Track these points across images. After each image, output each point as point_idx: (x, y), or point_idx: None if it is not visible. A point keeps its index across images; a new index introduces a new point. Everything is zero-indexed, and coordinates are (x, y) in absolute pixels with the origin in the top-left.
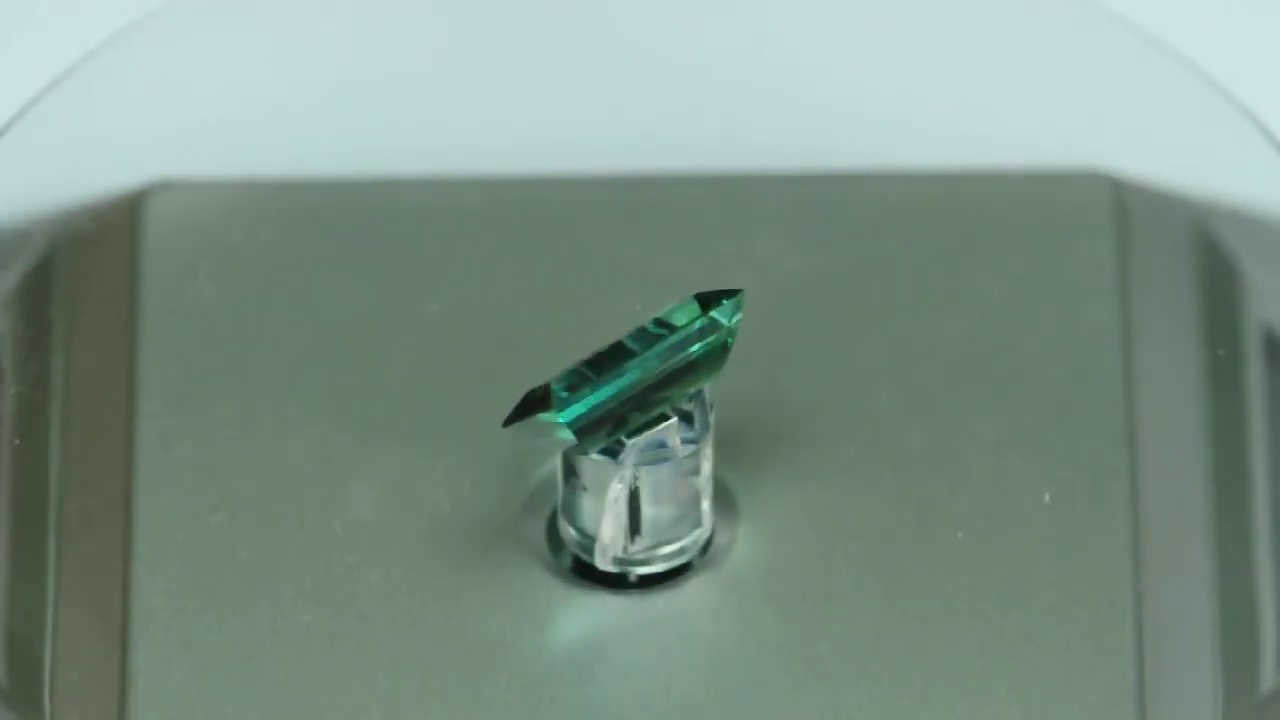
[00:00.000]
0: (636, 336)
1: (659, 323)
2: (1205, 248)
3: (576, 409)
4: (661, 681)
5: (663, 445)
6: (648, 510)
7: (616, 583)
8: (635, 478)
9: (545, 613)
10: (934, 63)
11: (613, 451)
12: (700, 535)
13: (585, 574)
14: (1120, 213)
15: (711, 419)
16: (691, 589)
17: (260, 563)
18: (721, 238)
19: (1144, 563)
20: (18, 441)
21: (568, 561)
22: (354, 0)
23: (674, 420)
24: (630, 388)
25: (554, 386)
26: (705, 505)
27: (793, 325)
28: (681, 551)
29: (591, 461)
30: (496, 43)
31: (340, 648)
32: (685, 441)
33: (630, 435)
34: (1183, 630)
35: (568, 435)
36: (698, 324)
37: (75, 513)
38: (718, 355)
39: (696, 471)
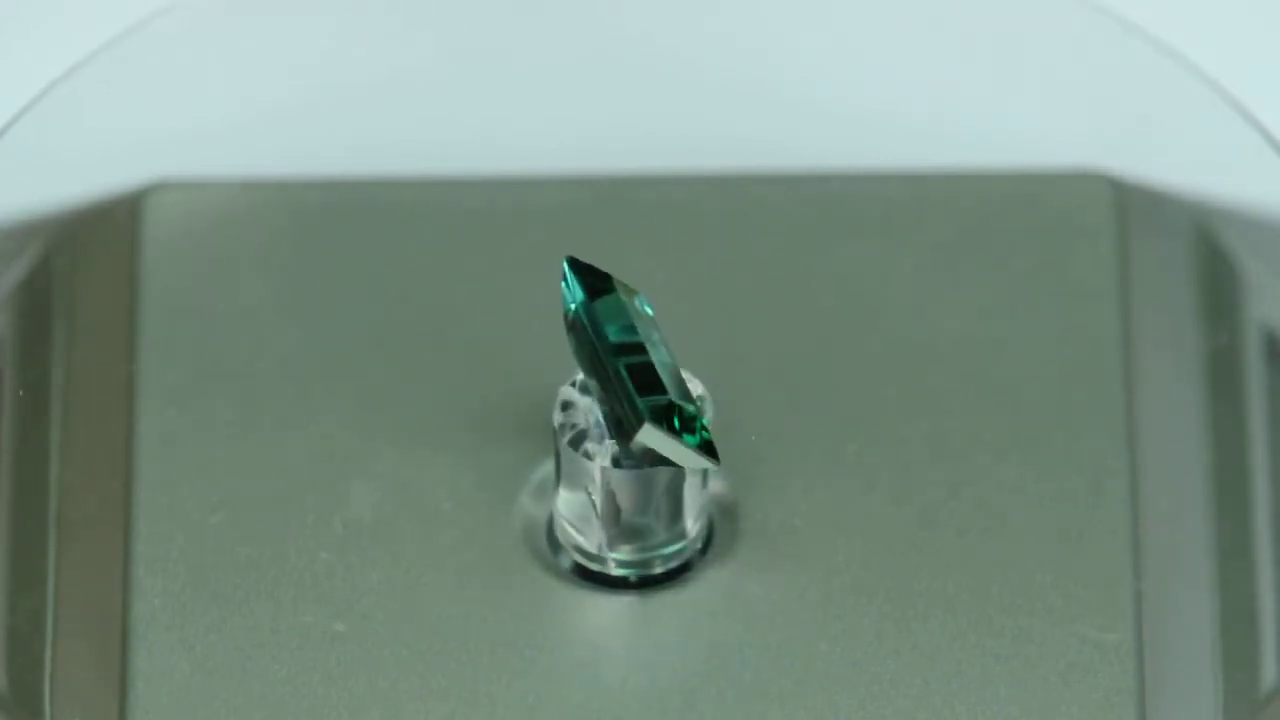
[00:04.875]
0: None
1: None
2: (1205, 248)
3: (590, 302)
4: (661, 681)
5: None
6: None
7: (616, 583)
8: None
9: (545, 613)
10: (934, 63)
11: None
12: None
13: (585, 574)
14: (1120, 213)
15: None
16: (691, 589)
17: (260, 563)
18: (721, 238)
19: (1144, 563)
20: (17, 442)
21: (568, 562)
22: (354, 0)
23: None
24: (605, 365)
25: (617, 282)
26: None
27: (792, 325)
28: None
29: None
30: (496, 42)
31: (340, 648)
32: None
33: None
34: (1183, 630)
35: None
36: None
37: (75, 513)
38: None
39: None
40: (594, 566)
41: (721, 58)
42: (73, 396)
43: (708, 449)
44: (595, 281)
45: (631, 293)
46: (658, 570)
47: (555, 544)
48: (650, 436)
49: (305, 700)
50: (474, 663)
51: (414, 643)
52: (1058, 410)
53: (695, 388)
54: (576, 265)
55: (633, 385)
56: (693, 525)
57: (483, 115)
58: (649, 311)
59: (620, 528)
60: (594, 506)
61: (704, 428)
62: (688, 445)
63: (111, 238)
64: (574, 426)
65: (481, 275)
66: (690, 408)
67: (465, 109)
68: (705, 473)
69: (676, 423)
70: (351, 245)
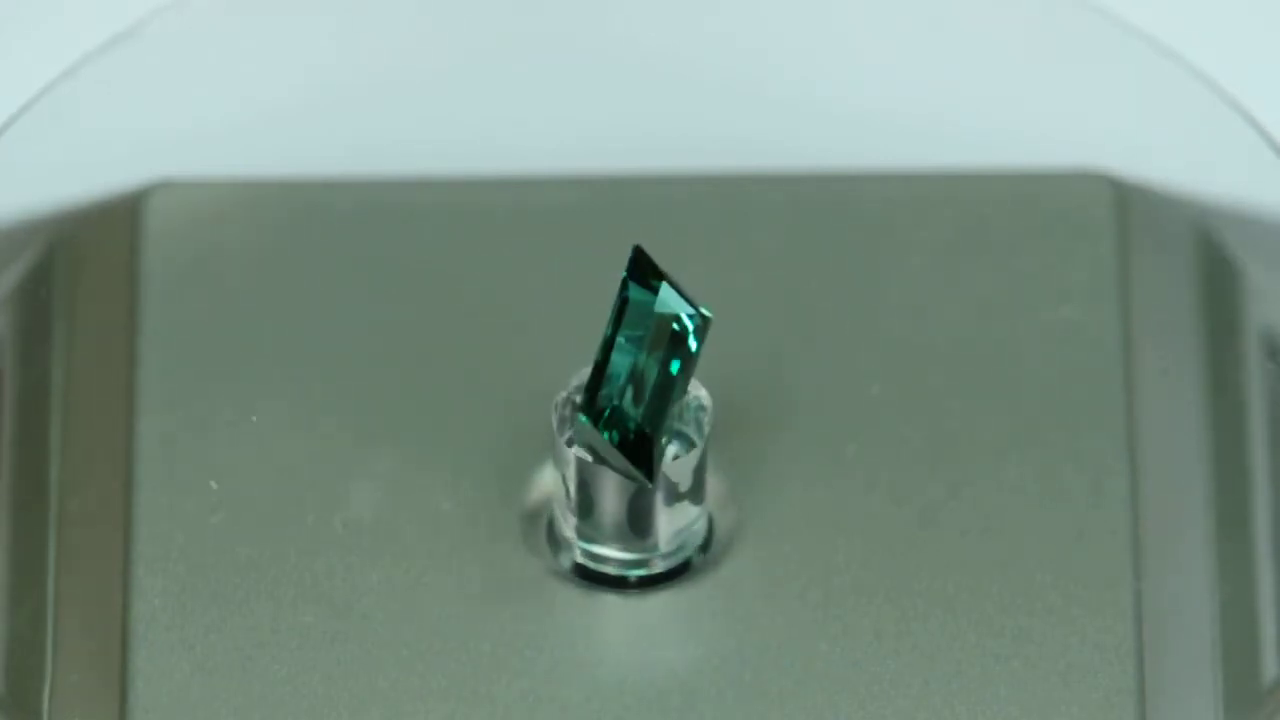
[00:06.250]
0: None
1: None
2: (1205, 248)
3: (622, 295)
4: (661, 681)
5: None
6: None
7: (617, 583)
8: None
9: (545, 613)
10: (934, 63)
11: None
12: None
13: (585, 574)
14: (1120, 213)
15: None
16: (691, 589)
17: (260, 563)
18: (721, 238)
19: (1144, 563)
20: (17, 442)
21: (568, 562)
22: (354, 0)
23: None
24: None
25: (670, 290)
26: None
27: (792, 325)
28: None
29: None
30: (496, 42)
31: (340, 648)
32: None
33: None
34: (1183, 630)
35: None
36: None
37: (75, 513)
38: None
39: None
40: (570, 555)
41: (721, 58)
42: (73, 396)
43: (642, 463)
44: (644, 279)
45: (690, 311)
46: (656, 569)
47: (555, 544)
48: (583, 431)
49: (305, 700)
50: (474, 663)
51: (414, 643)
52: (1058, 410)
53: (699, 393)
54: (638, 257)
55: (596, 380)
56: (669, 541)
57: (483, 115)
58: (686, 326)
59: (590, 521)
60: (566, 492)
61: (644, 443)
62: (621, 453)
63: (111, 238)
64: (573, 407)
65: (481, 275)
66: (645, 425)
67: (465, 109)
68: (695, 494)
69: (611, 425)
70: (351, 245)
